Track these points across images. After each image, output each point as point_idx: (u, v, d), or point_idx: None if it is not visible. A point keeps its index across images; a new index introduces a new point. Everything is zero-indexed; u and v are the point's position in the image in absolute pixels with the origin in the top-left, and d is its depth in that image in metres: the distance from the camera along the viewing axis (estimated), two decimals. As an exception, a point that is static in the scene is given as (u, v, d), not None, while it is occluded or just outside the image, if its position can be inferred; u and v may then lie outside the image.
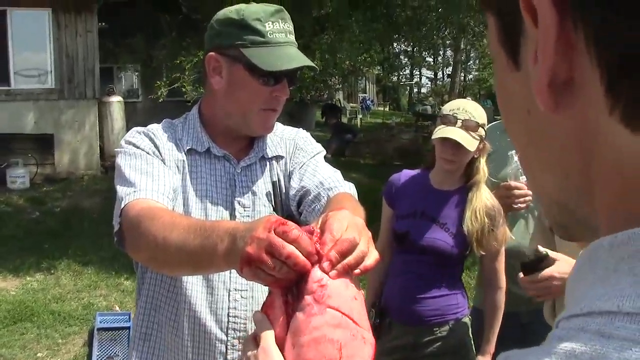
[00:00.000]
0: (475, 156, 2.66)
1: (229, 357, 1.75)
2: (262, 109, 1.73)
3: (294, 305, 1.10)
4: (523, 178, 2.84)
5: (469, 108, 2.63)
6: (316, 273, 1.08)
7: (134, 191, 1.58)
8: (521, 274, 2.20)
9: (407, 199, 2.77)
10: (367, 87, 37.65)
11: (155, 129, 1.80)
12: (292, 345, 1.06)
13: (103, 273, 6.97)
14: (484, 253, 2.66)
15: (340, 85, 17.66)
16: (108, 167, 12.00)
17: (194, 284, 1.73)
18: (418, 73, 53.66)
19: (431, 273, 2.68)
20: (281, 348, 1.10)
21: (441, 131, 2.58)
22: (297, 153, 1.87)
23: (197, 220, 1.43)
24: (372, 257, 1.14)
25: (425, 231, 2.67)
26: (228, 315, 1.74)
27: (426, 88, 52.92)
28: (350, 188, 1.75)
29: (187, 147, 1.78)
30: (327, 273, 1.08)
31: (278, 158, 1.86)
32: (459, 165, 2.65)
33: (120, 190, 1.62)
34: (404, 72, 48.35)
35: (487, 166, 2.73)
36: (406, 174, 2.87)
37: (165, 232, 1.38)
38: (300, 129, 1.97)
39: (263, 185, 1.81)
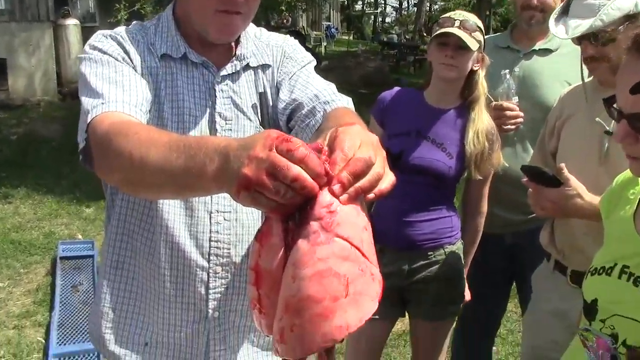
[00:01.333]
0: (475, 68, 2.52)
1: (210, 285, 1.59)
2: (218, 10, 1.49)
3: (296, 233, 0.95)
4: (515, 98, 2.73)
5: (466, 14, 2.55)
6: (325, 197, 0.92)
7: (102, 103, 1.37)
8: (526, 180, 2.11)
9: (401, 116, 2.61)
10: (332, 15, 37.17)
11: (124, 31, 1.58)
12: (292, 278, 0.92)
13: (64, 201, 6.78)
14: (480, 177, 2.54)
15: (305, 8, 17.23)
16: (66, 94, 11.60)
17: (171, 206, 1.55)
18: (383, 2, 53.06)
19: (426, 195, 2.55)
20: (278, 282, 0.96)
21: (440, 31, 2.46)
22: (286, 62, 1.66)
23: (179, 136, 1.23)
24: (388, 179, 0.99)
25: (422, 151, 2.52)
26: (210, 240, 1.58)
27: (391, 17, 52.40)
28: (348, 103, 1.55)
29: (161, 53, 1.56)
30: (337, 197, 0.93)
31: (264, 67, 1.65)
32: (460, 72, 2.50)
33: (86, 102, 1.40)
34: (369, 1, 47.76)
35: (489, 103, 2.60)
36: (398, 91, 2.71)
37: (142, 150, 1.17)
38: (288, 35, 1.78)
39: (248, 97, 1.61)
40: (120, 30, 1.59)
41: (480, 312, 2.99)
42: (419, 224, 2.55)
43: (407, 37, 27.70)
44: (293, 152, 0.91)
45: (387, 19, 50.87)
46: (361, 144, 0.96)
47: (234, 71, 1.60)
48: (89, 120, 1.35)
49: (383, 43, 24.37)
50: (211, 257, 1.58)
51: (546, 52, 2.90)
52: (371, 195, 0.97)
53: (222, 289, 1.61)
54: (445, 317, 2.68)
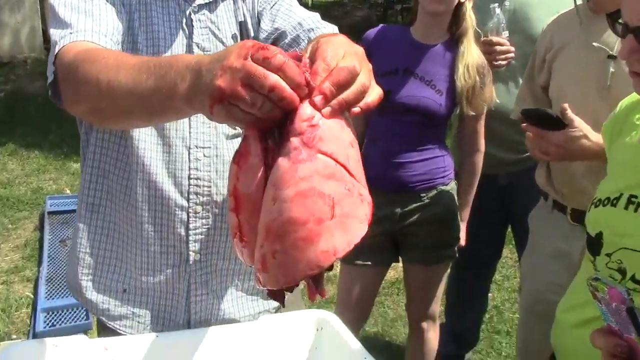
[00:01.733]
0: (462, 0, 2.40)
1: (191, 225, 1.51)
2: None
3: (276, 152, 0.87)
4: (505, 33, 2.63)
5: None
6: (306, 110, 0.85)
7: (70, 33, 1.28)
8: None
9: (387, 54, 2.50)
10: (322, -33, 36.50)
11: None
12: (273, 200, 0.86)
13: (51, 157, 6.66)
14: (473, 113, 2.45)
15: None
16: (52, 50, 11.37)
17: (147, 142, 1.46)
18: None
19: (416, 135, 2.47)
20: (259, 206, 0.89)
21: None
22: None
23: (149, 57, 1.14)
24: (375, 92, 0.93)
25: (410, 89, 2.43)
26: (189, 178, 1.48)
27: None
28: (334, 29, 1.47)
29: None
30: (319, 110, 0.86)
31: None
32: (448, 5, 2.40)
33: (54, 33, 1.31)
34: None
35: (478, 37, 2.49)
36: (382, 27, 2.60)
37: (109, 74, 1.11)
38: None
39: (227, 27, 1.52)
40: None
41: (475, 256, 2.92)
42: (410, 165, 2.47)
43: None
44: (270, 59, 0.83)
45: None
46: (345, 54, 0.89)
47: (210, 0, 1.51)
48: (56, 51, 1.27)
49: (372, -7, 23.96)
50: (191, 196, 1.49)
51: None
52: (357, 109, 0.91)
53: (203, 230, 1.52)
54: (440, 261, 2.62)
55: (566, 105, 1.86)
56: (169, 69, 0.99)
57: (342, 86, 0.87)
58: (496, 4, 2.64)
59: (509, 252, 4.14)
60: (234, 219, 0.96)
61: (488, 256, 3.15)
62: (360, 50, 0.93)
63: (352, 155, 0.89)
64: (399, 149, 2.46)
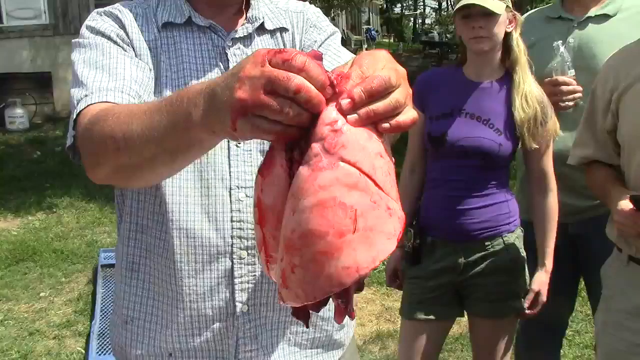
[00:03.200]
0: (508, 30, 2.30)
1: (235, 273, 1.39)
2: None
3: (301, 161, 0.82)
4: (571, 72, 2.48)
5: None
6: (329, 113, 0.79)
7: (85, 95, 1.24)
8: (630, 204, 1.85)
9: (440, 96, 2.40)
10: (371, 18, 37.14)
11: (122, 5, 1.44)
12: (292, 211, 0.80)
13: (106, 209, 6.73)
14: (536, 146, 2.30)
15: (343, 12, 17.27)
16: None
17: (183, 187, 1.36)
18: (422, 3, 52.71)
19: (476, 179, 2.33)
20: (281, 218, 0.83)
21: (461, 3, 2.25)
22: (311, 30, 1.52)
23: (161, 99, 1.08)
24: (410, 114, 0.85)
25: (466, 130, 2.30)
26: (231, 221, 1.37)
27: (430, 19, 52.01)
28: None
29: (162, 22, 1.41)
30: (344, 116, 0.79)
31: (282, 30, 1.50)
32: (493, 40, 2.28)
33: (72, 94, 1.28)
34: (408, 3, 47.50)
35: (531, 65, 2.37)
36: (435, 71, 2.52)
37: (122, 127, 1.05)
38: (308, 2, 1.60)
39: None
40: (118, 4, 1.45)
41: (545, 310, 2.73)
42: (472, 212, 2.33)
43: (447, 36, 27.40)
44: (290, 61, 0.78)
45: (427, 20, 50.54)
46: (384, 67, 0.82)
47: (245, 34, 1.45)
48: (74, 116, 1.24)
49: (424, 43, 24.18)
50: (234, 241, 1.38)
51: (603, 18, 2.62)
52: (386, 125, 0.82)
53: (250, 278, 1.40)
54: (507, 314, 2.45)
55: None
56: (180, 102, 0.93)
57: (373, 95, 0.80)
58: (559, 42, 2.52)
59: (578, 305, 3.91)
60: (259, 232, 0.91)
61: (560, 310, 2.95)
62: (402, 70, 0.85)
63: (380, 166, 0.81)
64: (458, 195, 2.33)
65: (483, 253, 2.35)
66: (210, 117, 0.87)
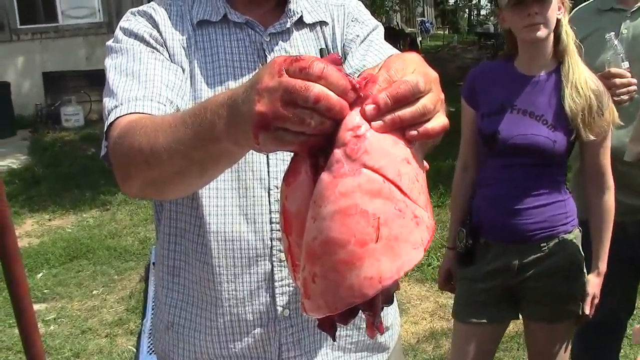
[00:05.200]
0: (558, 16, 2.18)
1: (276, 276, 1.34)
2: None
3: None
4: (625, 64, 2.35)
5: None
6: (352, 118, 0.76)
7: (115, 106, 1.24)
8: None
9: (492, 92, 2.29)
10: (425, 10, 36.82)
11: (157, 3, 1.40)
12: (313, 219, 0.77)
13: (159, 207, 6.76)
14: (593, 137, 2.17)
15: (398, 7, 17.19)
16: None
17: (220, 189, 1.33)
18: (477, -6, 51.95)
19: (531, 177, 2.22)
20: (303, 225, 0.80)
21: None
22: (353, 25, 1.46)
23: (186, 109, 1.05)
24: (439, 120, 0.81)
25: (519, 128, 2.19)
26: (270, 222, 1.33)
27: (485, 10, 51.19)
28: None
29: (198, 19, 1.38)
30: (368, 121, 0.76)
31: (322, 24, 1.44)
32: (548, 27, 2.16)
33: (104, 103, 1.27)
34: (463, -6, 46.86)
35: (581, 52, 2.24)
36: (485, 66, 2.42)
37: (150, 140, 1.04)
38: None
39: (306, 53, 1.38)
40: (154, 3, 1.42)
41: (604, 311, 2.60)
42: (527, 212, 2.22)
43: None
44: (308, 69, 0.75)
45: (482, 12, 49.72)
46: (414, 71, 0.79)
47: (283, 29, 1.40)
48: (105, 129, 1.23)
49: (479, 34, 23.84)
50: (274, 243, 1.34)
51: None
52: (413, 133, 0.78)
53: (290, 281, 1.35)
54: (564, 318, 2.34)
55: None
56: (205, 113, 0.92)
57: (399, 101, 0.77)
58: (612, 33, 2.39)
59: (639, 304, 3.75)
60: (285, 240, 0.89)
61: (619, 312, 2.82)
62: (433, 73, 0.82)
63: (406, 172, 0.78)
64: (512, 195, 2.23)
65: (539, 255, 2.24)
66: (233, 129, 0.85)
